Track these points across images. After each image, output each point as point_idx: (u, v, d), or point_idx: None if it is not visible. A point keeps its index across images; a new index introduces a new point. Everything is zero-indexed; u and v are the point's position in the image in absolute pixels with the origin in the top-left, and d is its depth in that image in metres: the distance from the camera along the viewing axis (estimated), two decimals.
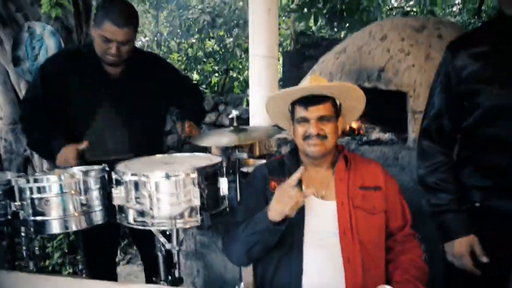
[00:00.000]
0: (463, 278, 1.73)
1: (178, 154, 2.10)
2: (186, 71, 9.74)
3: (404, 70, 2.95)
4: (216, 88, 8.72)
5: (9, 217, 1.83)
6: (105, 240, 2.38)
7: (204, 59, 8.96)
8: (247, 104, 6.38)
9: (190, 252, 3.06)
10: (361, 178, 1.80)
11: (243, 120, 5.93)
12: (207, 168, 1.78)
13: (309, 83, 1.78)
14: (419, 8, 5.66)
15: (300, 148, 1.81)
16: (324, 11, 5.46)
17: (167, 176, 1.71)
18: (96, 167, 1.87)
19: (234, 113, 2.18)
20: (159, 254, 1.94)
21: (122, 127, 2.28)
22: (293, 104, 1.80)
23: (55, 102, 2.24)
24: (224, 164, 1.89)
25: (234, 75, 9.12)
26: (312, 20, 5.57)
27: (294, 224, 1.67)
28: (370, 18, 5.41)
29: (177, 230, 1.86)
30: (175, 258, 1.91)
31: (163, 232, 1.87)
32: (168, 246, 1.88)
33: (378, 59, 3.09)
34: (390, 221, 1.79)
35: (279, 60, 6.90)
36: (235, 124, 2.17)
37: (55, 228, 1.76)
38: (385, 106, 3.15)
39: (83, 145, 2.08)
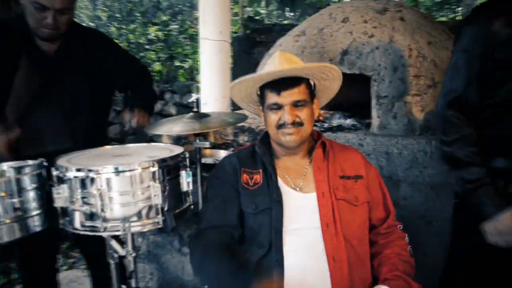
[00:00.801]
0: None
1: (131, 145, 1.81)
2: None
3: (368, 53, 2.81)
4: (159, 76, 8.31)
5: None
6: (43, 245, 2.05)
7: (147, 46, 8.50)
8: (195, 92, 6.09)
9: (141, 254, 2.78)
10: (341, 167, 1.63)
11: (191, 108, 5.60)
12: (168, 160, 1.52)
13: (279, 63, 1.54)
14: None
15: (273, 137, 1.60)
16: None
17: (121, 171, 1.43)
18: (31, 162, 1.54)
19: (195, 96, 1.93)
20: (111, 261, 1.66)
21: (60, 113, 1.96)
22: (263, 88, 1.58)
23: None
24: (187, 158, 1.63)
25: (178, 63, 8.74)
26: (263, 4, 5.35)
27: (272, 221, 1.49)
28: (322, 3, 5.28)
29: (133, 234, 1.60)
30: (131, 266, 1.63)
31: (115, 236, 1.60)
32: (122, 252, 1.61)
33: (340, 42, 2.93)
34: (372, 212, 1.64)
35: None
36: (195, 109, 1.91)
37: None
38: (346, 91, 3.00)
39: (15, 133, 1.75)
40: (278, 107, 1.52)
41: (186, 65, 8.31)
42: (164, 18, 7.83)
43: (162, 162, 1.48)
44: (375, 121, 2.82)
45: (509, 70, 1.48)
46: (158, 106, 6.29)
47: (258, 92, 1.64)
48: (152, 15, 7.58)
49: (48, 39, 1.91)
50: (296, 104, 1.52)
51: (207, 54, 3.93)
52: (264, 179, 1.57)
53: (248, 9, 6.68)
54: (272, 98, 1.53)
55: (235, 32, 6.73)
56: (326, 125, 3.05)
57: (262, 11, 6.71)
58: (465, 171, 1.56)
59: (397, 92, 2.75)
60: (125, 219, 1.47)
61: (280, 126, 1.53)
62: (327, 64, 1.60)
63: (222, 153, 2.77)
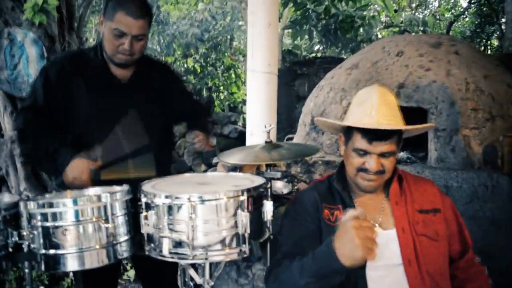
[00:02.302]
0: None
1: (210, 174, 1.86)
2: None
3: (425, 87, 2.82)
4: None
5: (10, 250, 1.50)
6: (106, 274, 2.06)
7: (185, 77, 8.72)
8: (241, 122, 6.17)
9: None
10: (418, 201, 1.59)
11: (233, 139, 5.66)
12: (254, 189, 1.53)
13: (377, 112, 1.46)
14: (412, 27, 5.66)
15: (350, 176, 1.57)
16: (319, 29, 5.35)
17: (208, 200, 1.45)
18: (119, 187, 1.58)
19: (268, 127, 1.94)
20: None
21: (141, 138, 2.01)
22: (353, 127, 1.52)
23: (59, 109, 1.95)
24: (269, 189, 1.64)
25: (214, 94, 8.90)
26: (306, 36, 5.46)
27: None
28: (363, 37, 5.35)
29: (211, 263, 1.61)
30: None
31: (192, 264, 1.62)
32: (199, 280, 1.62)
33: (396, 75, 2.95)
34: (451, 246, 1.60)
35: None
36: (268, 139, 1.93)
37: (72, 264, 1.45)
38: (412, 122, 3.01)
39: (98, 163, 1.80)
40: (365, 153, 1.49)
41: (222, 96, 8.45)
42: (203, 49, 8.03)
43: (248, 192, 1.50)
44: (432, 154, 2.80)
45: None
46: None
47: (345, 128, 1.58)
48: (194, 47, 7.78)
49: (122, 66, 1.99)
50: (383, 155, 1.48)
51: (254, 86, 3.98)
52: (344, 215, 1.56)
53: (287, 42, 6.80)
54: (361, 143, 1.48)
55: None
56: None
57: (300, 44, 6.81)
58: None
59: (454, 126, 2.74)
60: (210, 247, 1.48)
61: (362, 170, 1.50)
62: (428, 125, 1.60)
63: (279, 184, 2.78)
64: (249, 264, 2.51)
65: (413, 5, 12.61)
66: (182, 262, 1.50)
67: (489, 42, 11.71)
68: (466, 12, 11.74)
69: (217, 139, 6.24)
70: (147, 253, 1.53)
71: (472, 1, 11.06)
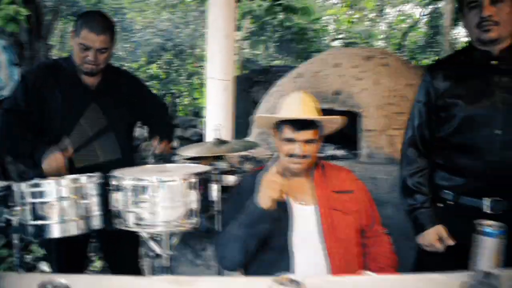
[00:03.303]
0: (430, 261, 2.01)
1: (168, 165, 2.22)
2: None
3: (357, 93, 3.30)
4: None
5: (2, 224, 1.84)
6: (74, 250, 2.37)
7: (148, 83, 9.02)
8: (201, 127, 6.51)
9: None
10: (335, 184, 2.02)
11: (194, 142, 6.04)
12: (203, 174, 1.93)
13: (301, 106, 1.92)
14: (359, 39, 6.21)
15: (283, 162, 1.97)
16: (275, 40, 5.82)
17: (167, 181, 1.84)
18: (95, 174, 1.94)
19: (218, 126, 2.34)
20: (147, 259, 2.04)
21: (107, 133, 2.36)
22: (282, 121, 1.93)
23: (37, 112, 2.29)
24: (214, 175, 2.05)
25: (178, 100, 9.23)
26: (262, 48, 5.90)
27: (283, 230, 1.87)
28: (315, 47, 5.85)
29: (170, 235, 1.99)
30: (168, 264, 2.00)
31: (152, 237, 1.98)
32: (159, 251, 1.99)
33: (333, 83, 3.42)
34: (361, 220, 2.02)
35: None
36: (217, 136, 2.34)
37: (55, 232, 1.80)
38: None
39: (69, 152, 2.15)
40: (293, 141, 1.89)
41: (186, 102, 8.80)
42: (168, 57, 8.38)
43: (198, 175, 1.89)
44: (363, 151, 3.27)
45: (448, 112, 1.93)
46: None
47: (276, 123, 1.99)
48: (158, 55, 8.14)
49: (89, 74, 2.33)
50: (307, 141, 1.89)
51: (213, 92, 4.36)
52: None
53: (246, 51, 7.23)
54: (289, 133, 1.88)
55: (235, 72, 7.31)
56: (322, 155, 3.49)
57: (258, 53, 7.25)
58: (410, 197, 2.03)
59: (381, 127, 3.22)
60: (170, 221, 1.86)
61: (291, 155, 1.91)
62: (339, 117, 2.04)
63: (230, 178, 3.17)
64: (203, 246, 2.90)
65: (372, 15, 13.33)
66: (145, 232, 1.87)
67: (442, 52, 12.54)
68: (420, 23, 12.52)
69: (179, 142, 6.60)
70: (115, 226, 1.90)
71: (424, 13, 11.88)
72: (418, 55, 11.23)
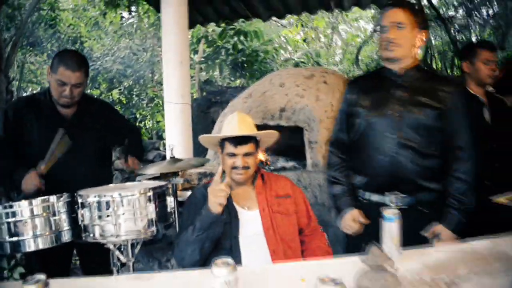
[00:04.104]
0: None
1: (128, 183, 2.50)
2: None
3: (300, 110, 3.66)
4: None
5: None
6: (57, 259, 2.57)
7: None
8: (162, 148, 6.75)
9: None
10: (275, 190, 2.33)
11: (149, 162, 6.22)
12: (158, 188, 2.22)
13: (238, 125, 2.25)
14: (308, 59, 6.65)
15: (227, 174, 2.26)
16: (228, 63, 6.17)
17: (126, 195, 2.12)
18: (64, 194, 2.18)
19: (172, 145, 2.64)
20: (114, 269, 2.29)
21: (77, 161, 2.60)
22: (223, 139, 2.25)
23: (16, 141, 2.54)
24: (170, 188, 2.34)
25: (142, 124, 9.44)
26: (217, 70, 6.26)
27: (232, 232, 2.15)
28: (267, 68, 6.23)
29: (132, 244, 2.25)
30: (131, 270, 2.26)
31: (118, 248, 2.24)
32: (123, 259, 2.25)
33: (279, 102, 3.77)
34: (300, 220, 2.33)
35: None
36: (172, 155, 2.64)
37: (30, 246, 2.05)
38: (287, 139, 3.81)
39: (42, 168, 2.38)
40: (234, 155, 2.22)
41: (148, 125, 9.02)
42: (128, 83, 8.61)
43: (154, 189, 2.18)
44: (309, 161, 3.61)
45: (356, 119, 2.25)
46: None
47: (220, 141, 2.30)
48: (118, 81, 8.37)
49: (66, 106, 2.60)
50: (246, 154, 2.21)
51: (171, 115, 4.63)
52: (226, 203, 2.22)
53: (203, 73, 7.55)
54: (230, 149, 2.19)
55: (192, 94, 7.61)
56: (272, 167, 3.82)
57: (216, 73, 7.58)
58: (332, 188, 2.35)
59: (323, 138, 3.58)
60: (131, 231, 2.13)
61: (234, 168, 2.22)
62: (270, 131, 2.36)
63: (188, 193, 3.46)
64: (168, 257, 3.15)
65: (328, 32, 13.93)
66: (110, 242, 2.13)
67: None
68: (372, 38, 13.24)
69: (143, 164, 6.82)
70: (84, 239, 2.15)
71: (376, 30, 12.57)
72: (372, 69, 11.84)
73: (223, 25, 6.21)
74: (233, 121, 2.29)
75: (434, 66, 11.55)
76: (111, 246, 2.23)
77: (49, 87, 2.62)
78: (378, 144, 2.16)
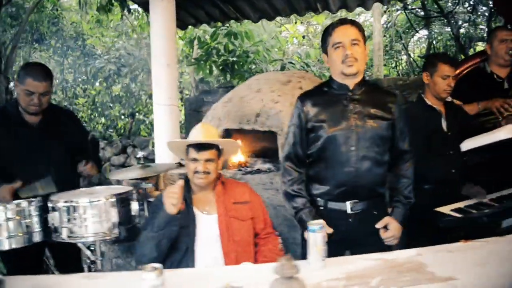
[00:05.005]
0: None
1: (97, 187, 2.72)
2: (93, 116, 10.11)
3: (274, 115, 3.84)
4: (122, 131, 9.18)
5: None
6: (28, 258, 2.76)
7: (111, 105, 9.44)
8: (153, 146, 6.96)
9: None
10: (234, 196, 2.47)
11: (150, 160, 6.52)
12: (123, 194, 2.44)
13: (201, 133, 2.46)
14: (298, 60, 6.79)
15: (190, 178, 2.46)
16: (218, 63, 6.34)
17: (93, 201, 2.34)
18: (35, 199, 2.42)
19: (141, 153, 2.85)
20: (85, 266, 2.52)
21: (45, 165, 2.78)
22: (188, 145, 2.44)
23: None
24: (135, 194, 2.55)
25: (140, 117, 9.66)
26: (207, 72, 6.43)
27: (189, 234, 2.33)
28: (257, 69, 6.39)
29: (100, 244, 2.48)
30: (99, 268, 2.50)
31: (88, 247, 2.47)
32: (92, 257, 2.48)
33: (255, 107, 3.95)
34: (255, 225, 2.51)
35: (183, 105, 7.64)
36: (142, 162, 2.85)
37: (5, 245, 2.30)
38: (264, 143, 4.00)
39: (17, 184, 2.57)
40: (196, 160, 2.38)
41: (147, 120, 9.24)
42: (126, 80, 8.82)
43: (118, 195, 2.40)
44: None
45: (316, 133, 2.30)
46: (121, 159, 7.14)
47: (185, 148, 2.48)
48: (113, 81, 8.60)
49: (33, 114, 2.80)
50: (207, 160, 2.37)
51: (159, 116, 4.81)
52: (185, 207, 2.40)
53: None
54: (193, 154, 2.37)
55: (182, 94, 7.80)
56: (248, 169, 4.01)
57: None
58: (292, 201, 2.35)
59: None
60: (97, 232, 2.36)
61: (196, 172, 2.40)
62: (228, 140, 2.54)
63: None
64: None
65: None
66: (78, 243, 2.36)
67: None
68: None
69: (136, 161, 7.02)
70: (53, 239, 2.38)
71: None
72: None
73: (215, 26, 6.36)
74: (198, 130, 2.49)
75: None
76: (81, 246, 2.47)
77: (16, 98, 2.83)
78: (339, 157, 2.25)
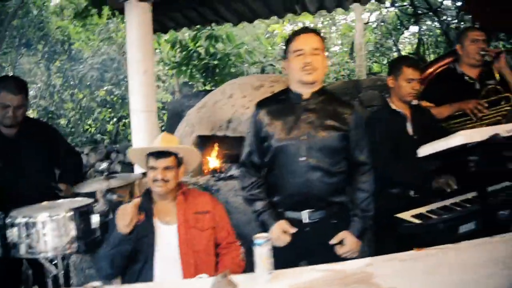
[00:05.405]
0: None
1: (59, 200, 2.71)
2: (80, 121, 10.09)
3: (245, 121, 3.84)
4: (109, 136, 9.18)
5: None
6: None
7: (99, 109, 9.43)
8: None
9: (79, 285, 3.58)
10: (195, 206, 2.47)
11: (131, 167, 6.44)
12: (83, 207, 2.44)
13: (159, 142, 2.48)
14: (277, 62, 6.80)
15: (150, 187, 2.47)
16: (199, 67, 6.34)
17: (51, 215, 2.34)
18: None
19: (103, 165, 2.86)
20: (49, 280, 2.52)
21: (20, 176, 2.81)
22: (148, 154, 2.46)
23: None
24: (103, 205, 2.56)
25: (127, 122, 9.65)
26: (188, 76, 6.43)
27: (149, 245, 2.34)
28: (238, 72, 6.38)
29: (63, 257, 2.48)
30: (62, 281, 2.49)
31: (51, 261, 2.47)
32: (54, 271, 2.48)
33: (227, 112, 3.95)
34: (217, 234, 2.51)
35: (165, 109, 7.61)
36: (105, 173, 2.85)
37: None
38: (237, 148, 3.99)
39: None
40: (155, 168, 2.39)
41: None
42: (109, 86, 8.82)
43: (76, 209, 2.40)
44: None
45: (268, 142, 2.29)
46: (105, 165, 7.12)
47: (146, 157, 2.49)
48: (96, 86, 8.60)
49: (9, 126, 2.83)
50: (166, 168, 2.40)
51: (136, 123, 4.79)
52: (146, 217, 2.41)
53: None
54: (151, 162, 2.39)
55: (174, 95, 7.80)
56: (222, 175, 4.02)
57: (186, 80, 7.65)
58: (253, 205, 2.35)
59: None
60: (56, 247, 2.36)
61: (155, 180, 2.41)
62: (186, 147, 2.54)
63: None
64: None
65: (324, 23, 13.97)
66: (38, 258, 2.36)
67: None
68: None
69: (121, 166, 7.03)
70: (12, 255, 2.38)
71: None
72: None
73: (196, 29, 6.35)
74: (157, 138, 2.51)
75: (427, 58, 11.60)
76: (43, 260, 2.47)
77: None
78: (290, 167, 2.24)
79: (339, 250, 2.27)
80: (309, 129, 2.24)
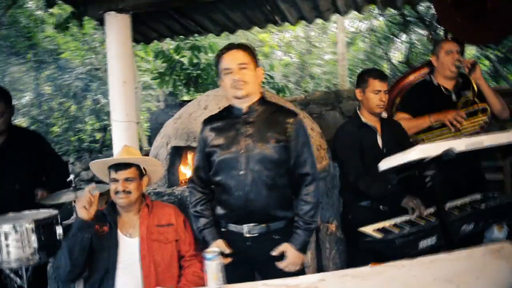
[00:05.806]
0: None
1: (26, 211, 2.76)
2: (69, 129, 10.13)
3: None
4: (97, 144, 9.22)
5: None
6: None
7: (86, 119, 9.48)
8: None
9: None
10: (158, 219, 2.53)
11: None
12: (44, 219, 2.50)
13: (120, 154, 2.55)
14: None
15: (113, 199, 2.51)
16: (181, 77, 6.41)
17: (14, 227, 2.40)
18: None
19: (71, 177, 2.90)
20: None
21: (7, 183, 2.90)
22: (109, 167, 2.49)
23: None
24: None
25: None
26: (170, 86, 6.50)
27: (110, 256, 2.38)
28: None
29: (27, 269, 2.53)
30: None
31: (16, 271, 2.52)
32: (19, 282, 2.53)
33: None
34: (180, 247, 2.55)
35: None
36: (73, 185, 2.90)
37: None
38: None
39: None
40: (116, 180, 2.44)
41: None
42: (95, 96, 8.90)
43: (39, 221, 2.46)
44: None
45: (212, 158, 2.29)
46: (90, 174, 7.16)
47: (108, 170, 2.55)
48: (81, 96, 8.67)
49: None
50: (127, 179, 2.44)
51: (117, 133, 4.82)
52: (109, 229, 2.46)
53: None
54: (112, 174, 2.45)
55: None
56: None
57: (170, 89, 7.67)
58: (197, 221, 2.34)
59: None
60: (19, 259, 2.41)
61: (116, 192, 2.44)
62: (145, 158, 2.60)
63: None
64: None
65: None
66: (2, 268, 2.41)
67: None
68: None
69: None
70: None
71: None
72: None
73: (179, 40, 6.43)
74: (119, 151, 2.59)
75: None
76: (7, 271, 2.52)
77: None
78: (231, 181, 2.24)
79: (280, 264, 2.26)
80: (248, 142, 2.24)
